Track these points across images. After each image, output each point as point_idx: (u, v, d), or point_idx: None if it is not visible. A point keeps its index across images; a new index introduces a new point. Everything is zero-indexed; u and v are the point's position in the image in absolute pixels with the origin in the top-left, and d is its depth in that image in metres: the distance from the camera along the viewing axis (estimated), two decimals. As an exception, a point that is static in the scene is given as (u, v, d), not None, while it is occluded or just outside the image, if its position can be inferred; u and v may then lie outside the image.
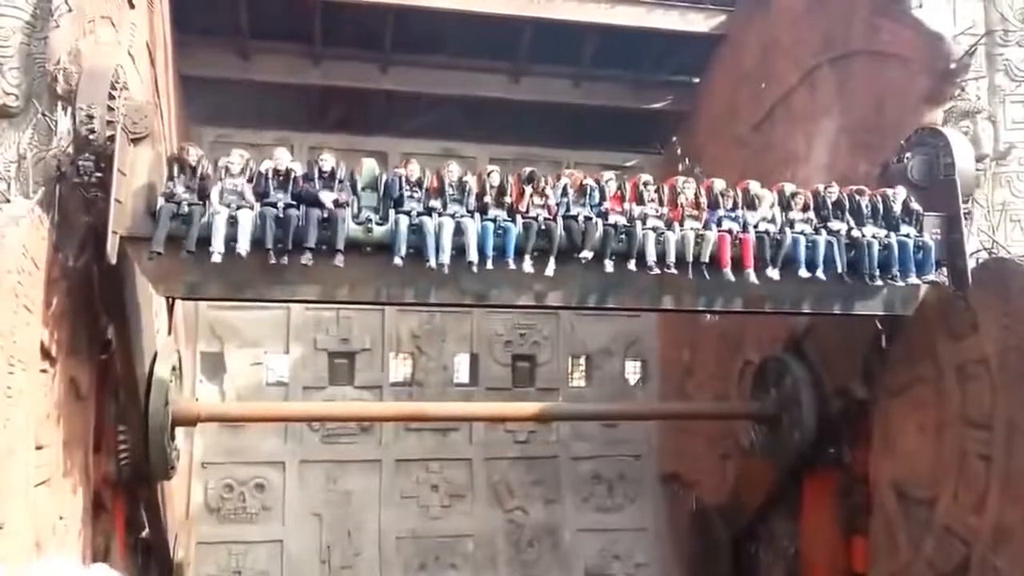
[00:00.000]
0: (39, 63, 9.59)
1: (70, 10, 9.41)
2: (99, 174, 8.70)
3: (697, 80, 17.22)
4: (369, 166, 9.91)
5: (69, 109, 9.00)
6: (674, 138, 17.62)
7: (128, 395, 10.77)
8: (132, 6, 10.63)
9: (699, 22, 15.87)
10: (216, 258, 8.90)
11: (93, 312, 9.72)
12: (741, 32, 15.69)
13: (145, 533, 12.33)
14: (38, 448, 8.35)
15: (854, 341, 12.09)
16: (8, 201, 8.92)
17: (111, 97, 8.80)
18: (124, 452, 10.95)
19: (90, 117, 8.62)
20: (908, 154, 11.15)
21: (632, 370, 19.10)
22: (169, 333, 11.82)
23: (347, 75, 16.50)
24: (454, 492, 17.63)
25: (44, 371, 8.51)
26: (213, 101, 15.64)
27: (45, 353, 8.47)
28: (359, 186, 9.60)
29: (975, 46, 11.43)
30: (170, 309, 11.32)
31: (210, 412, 13.18)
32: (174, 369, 11.46)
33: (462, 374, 18.40)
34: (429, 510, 17.48)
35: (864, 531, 12.25)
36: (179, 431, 12.05)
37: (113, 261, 8.67)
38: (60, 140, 9.24)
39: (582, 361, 18.86)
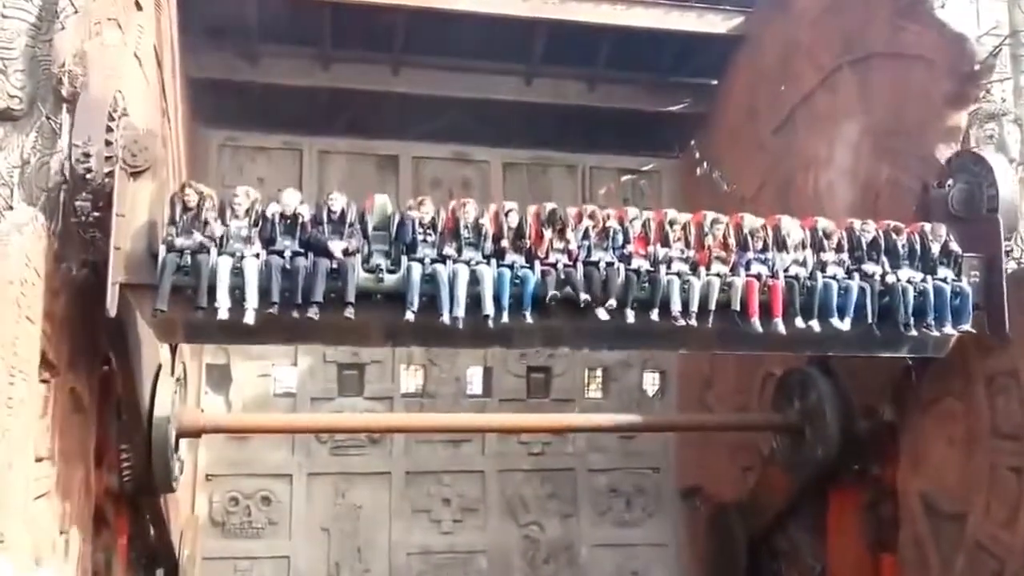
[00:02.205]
0: (44, 66, 9.34)
1: (76, 12, 9.20)
2: (97, 213, 8.38)
3: (715, 82, 16.89)
4: (381, 204, 9.50)
5: (70, 121, 8.70)
6: (692, 141, 17.32)
7: (130, 406, 10.46)
8: (139, 8, 10.44)
9: (717, 23, 15.55)
10: (223, 315, 8.55)
11: (95, 323, 9.39)
12: (760, 33, 15.38)
13: (148, 542, 12.06)
14: (37, 460, 8.12)
15: (882, 364, 11.67)
16: (11, 208, 8.63)
17: (109, 130, 8.46)
18: (127, 464, 10.66)
19: (87, 156, 8.27)
20: (950, 180, 10.73)
21: (650, 381, 18.61)
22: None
23: (357, 78, 16.19)
24: (467, 506, 17.13)
25: (45, 382, 8.25)
26: (221, 104, 15.36)
27: (46, 364, 8.20)
28: (370, 226, 9.20)
29: (999, 47, 11.18)
30: None
31: (215, 424, 12.89)
32: (178, 380, 11.20)
33: (475, 386, 17.92)
34: (441, 524, 16.98)
35: (892, 548, 11.87)
36: (183, 443, 11.75)
37: (113, 314, 8.40)
38: (64, 145, 8.97)
39: (599, 373, 18.37)
